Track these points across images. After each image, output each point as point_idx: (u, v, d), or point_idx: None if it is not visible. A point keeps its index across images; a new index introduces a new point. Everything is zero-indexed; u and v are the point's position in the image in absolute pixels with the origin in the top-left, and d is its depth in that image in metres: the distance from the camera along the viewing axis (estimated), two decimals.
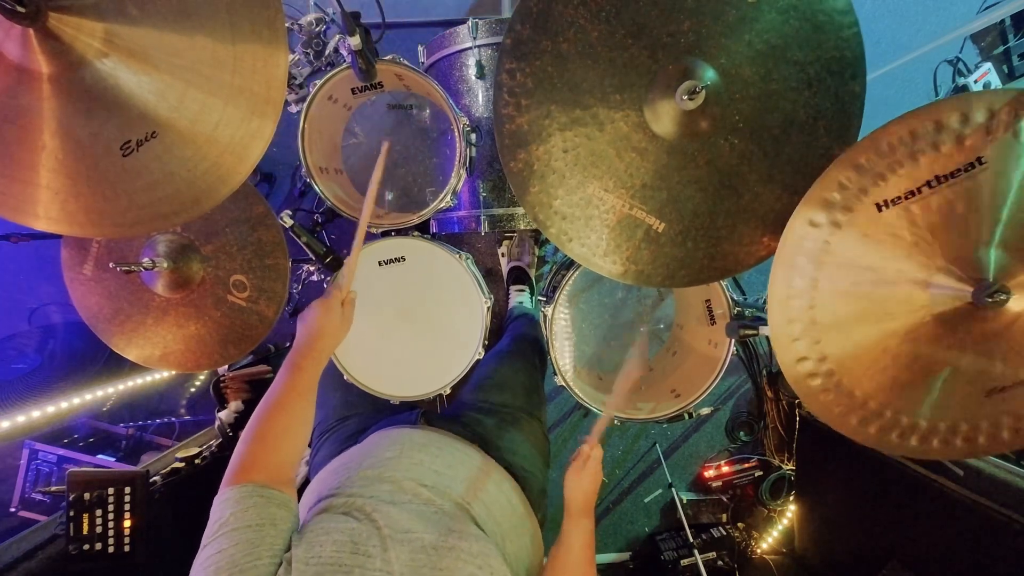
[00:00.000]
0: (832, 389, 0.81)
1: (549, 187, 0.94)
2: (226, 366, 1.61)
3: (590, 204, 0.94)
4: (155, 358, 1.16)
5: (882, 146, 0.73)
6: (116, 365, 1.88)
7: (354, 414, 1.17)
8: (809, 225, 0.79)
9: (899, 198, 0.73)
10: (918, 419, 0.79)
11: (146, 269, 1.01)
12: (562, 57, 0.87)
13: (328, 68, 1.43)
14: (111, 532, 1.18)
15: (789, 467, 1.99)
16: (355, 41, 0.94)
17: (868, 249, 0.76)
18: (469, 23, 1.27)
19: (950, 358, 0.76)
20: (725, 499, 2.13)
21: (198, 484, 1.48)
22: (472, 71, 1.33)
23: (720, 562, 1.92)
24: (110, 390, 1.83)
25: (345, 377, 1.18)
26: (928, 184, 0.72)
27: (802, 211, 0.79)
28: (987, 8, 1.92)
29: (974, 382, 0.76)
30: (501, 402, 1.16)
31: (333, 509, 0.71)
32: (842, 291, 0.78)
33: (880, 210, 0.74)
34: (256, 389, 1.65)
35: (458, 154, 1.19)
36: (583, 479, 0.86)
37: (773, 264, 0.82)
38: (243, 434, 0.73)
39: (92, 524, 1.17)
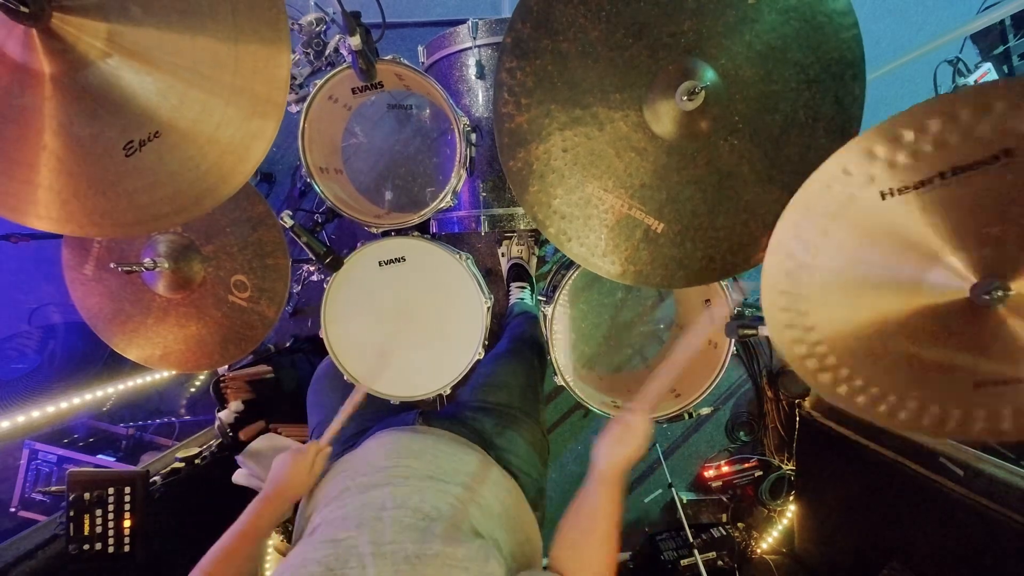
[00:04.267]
0: (815, 356, 0.79)
1: (548, 186, 0.94)
2: (226, 366, 1.61)
3: (589, 204, 0.94)
4: (156, 358, 1.16)
5: (926, 123, 0.69)
6: (116, 365, 1.88)
7: (354, 415, 1.17)
8: (843, 172, 0.75)
9: (922, 183, 0.71)
10: (907, 399, 0.78)
11: (147, 269, 1.01)
12: (562, 56, 0.87)
13: (328, 68, 1.44)
14: (111, 532, 1.18)
15: (789, 467, 1.99)
16: (355, 41, 0.94)
17: (883, 221, 0.74)
18: (469, 23, 1.27)
19: (952, 354, 0.75)
20: (725, 499, 2.12)
21: (198, 484, 1.48)
22: (472, 71, 1.33)
23: (720, 562, 1.92)
24: (110, 390, 1.83)
25: (345, 377, 1.18)
26: (955, 171, 0.69)
27: (843, 154, 0.75)
28: (987, 8, 1.92)
29: (964, 374, 0.75)
30: (499, 402, 1.16)
31: (319, 529, 0.74)
32: (841, 265, 0.77)
33: (884, 197, 0.73)
34: (256, 389, 1.65)
35: (458, 154, 1.19)
36: (619, 449, 0.79)
37: (787, 206, 0.79)
38: (197, 566, 0.77)
39: (92, 524, 1.17)
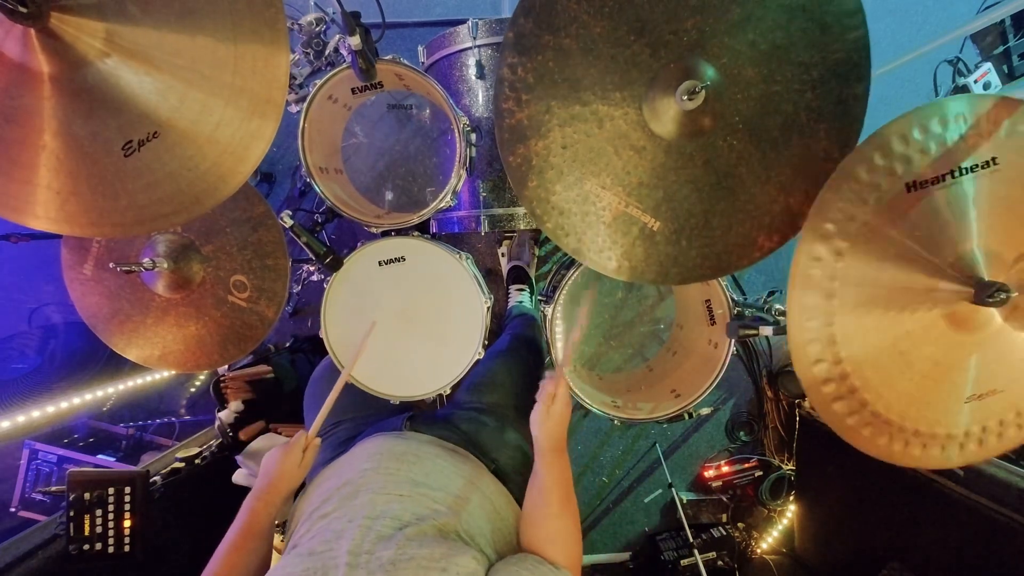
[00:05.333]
0: (858, 410, 0.80)
1: (547, 182, 0.94)
2: (226, 366, 1.61)
3: (587, 200, 0.94)
4: (155, 358, 1.16)
5: (892, 140, 0.73)
6: (116, 365, 1.88)
7: (347, 419, 1.17)
8: (813, 260, 0.78)
9: (927, 182, 0.73)
10: (937, 429, 0.78)
11: (146, 269, 1.01)
12: (564, 53, 0.87)
13: (328, 68, 1.43)
14: (111, 532, 1.18)
15: (789, 467, 1.99)
16: (355, 41, 0.94)
17: (873, 265, 0.76)
18: (469, 23, 1.27)
19: (964, 362, 0.75)
20: (725, 499, 2.12)
21: (198, 484, 1.48)
22: (472, 71, 1.33)
23: (720, 562, 1.92)
24: (110, 390, 1.83)
25: None
26: (948, 176, 0.71)
27: (803, 248, 0.78)
28: (987, 8, 1.92)
29: (982, 384, 0.76)
30: (494, 402, 1.16)
31: (302, 541, 0.75)
32: (857, 308, 0.77)
33: (910, 189, 0.74)
34: (256, 389, 1.65)
35: (458, 154, 1.19)
36: (552, 419, 0.84)
37: (788, 300, 0.81)
38: (206, 569, 0.79)
39: (92, 524, 1.17)
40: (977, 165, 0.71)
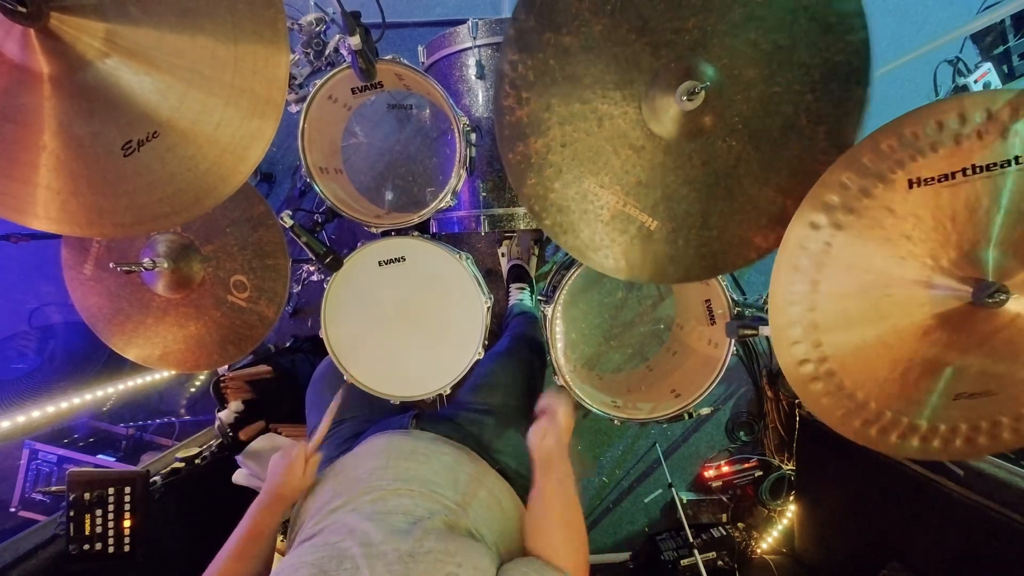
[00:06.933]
0: (834, 392, 0.81)
1: (546, 180, 0.94)
2: (226, 366, 1.61)
3: (585, 199, 0.94)
4: (155, 358, 1.16)
5: (905, 133, 0.72)
6: (116, 365, 1.88)
7: (350, 418, 1.17)
8: (809, 227, 0.79)
9: (932, 179, 0.72)
10: (919, 420, 0.79)
11: (146, 269, 1.01)
12: (564, 50, 0.87)
13: (328, 68, 1.43)
14: (111, 532, 1.18)
15: (789, 467, 1.99)
16: (355, 41, 0.94)
17: (871, 249, 0.76)
18: (469, 23, 1.27)
19: (950, 359, 0.75)
20: (725, 499, 2.12)
21: (198, 484, 1.48)
22: (472, 71, 1.33)
23: (720, 562, 1.92)
24: (110, 390, 1.83)
25: (345, 377, 1.18)
26: (959, 173, 0.70)
27: (802, 214, 0.79)
28: (987, 8, 1.92)
29: (974, 383, 0.76)
30: (497, 402, 1.16)
31: (315, 535, 0.75)
32: (842, 293, 0.78)
33: (912, 186, 0.73)
34: (256, 389, 1.65)
35: (458, 154, 1.19)
36: (554, 433, 0.85)
37: (774, 268, 0.82)
38: (207, 571, 0.79)
39: (92, 524, 1.17)
40: (1006, 162, 0.69)
